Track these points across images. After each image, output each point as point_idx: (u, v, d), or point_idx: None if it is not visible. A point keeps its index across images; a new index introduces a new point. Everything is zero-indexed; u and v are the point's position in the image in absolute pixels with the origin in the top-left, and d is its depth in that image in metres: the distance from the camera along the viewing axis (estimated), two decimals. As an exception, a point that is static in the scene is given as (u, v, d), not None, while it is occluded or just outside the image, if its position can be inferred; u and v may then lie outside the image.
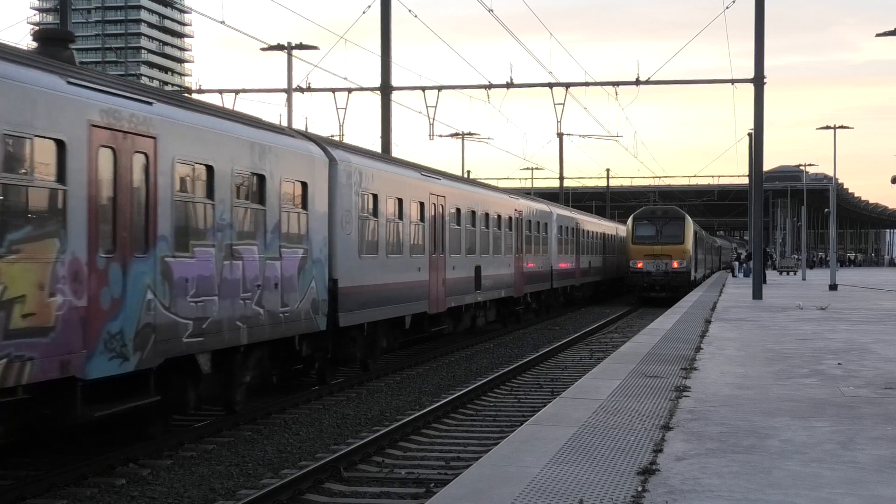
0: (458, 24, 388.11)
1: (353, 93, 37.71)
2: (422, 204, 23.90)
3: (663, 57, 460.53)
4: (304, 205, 17.39)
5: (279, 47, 35.45)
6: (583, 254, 48.20)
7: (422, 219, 23.86)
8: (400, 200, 22.37)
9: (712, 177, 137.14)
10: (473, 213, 28.44)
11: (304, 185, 17.39)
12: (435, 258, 24.64)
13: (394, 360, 23.86)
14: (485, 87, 38.07)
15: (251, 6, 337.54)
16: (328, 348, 18.84)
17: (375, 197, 20.91)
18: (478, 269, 28.52)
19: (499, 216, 31.51)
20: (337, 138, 30.70)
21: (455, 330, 27.90)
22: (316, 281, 17.62)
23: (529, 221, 36.11)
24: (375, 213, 20.87)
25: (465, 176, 59.31)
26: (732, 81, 37.89)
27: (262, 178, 15.93)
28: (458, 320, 27.98)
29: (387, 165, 22.42)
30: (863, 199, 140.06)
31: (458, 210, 27.10)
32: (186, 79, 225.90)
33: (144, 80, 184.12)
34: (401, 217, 22.41)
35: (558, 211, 43.45)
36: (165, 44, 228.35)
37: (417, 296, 23.27)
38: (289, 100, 35.71)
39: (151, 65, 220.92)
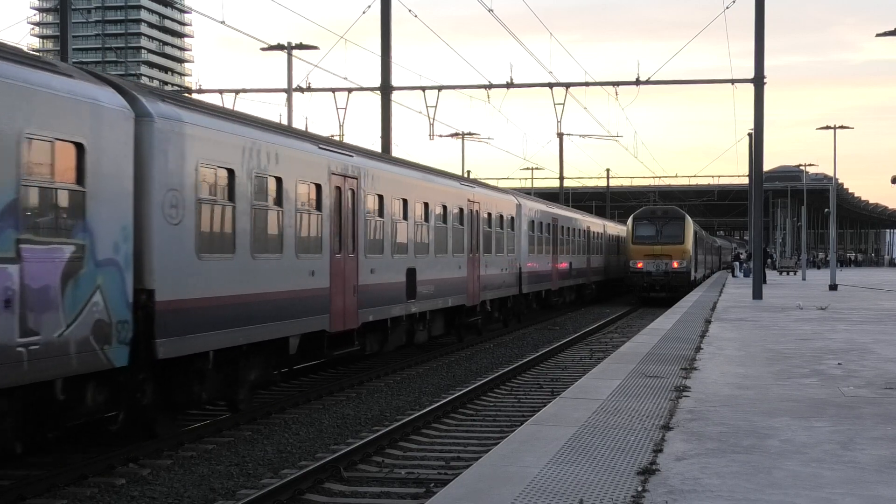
0: (458, 24, 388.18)
1: (353, 93, 37.74)
2: (318, 187, 18.25)
3: (663, 57, 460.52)
4: (80, 177, 11.82)
5: (279, 47, 35.47)
6: (562, 253, 42.82)
7: (319, 207, 18.20)
8: (279, 180, 16.67)
9: (712, 177, 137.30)
10: (405, 202, 22.76)
11: (80, 147, 11.81)
12: (341, 259, 19.01)
13: (394, 360, 23.84)
14: (485, 87, 38.08)
15: (251, 6, 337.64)
16: (144, 390, 13.22)
17: (231, 173, 15.12)
18: (411, 273, 22.94)
19: (444, 208, 25.67)
20: (337, 138, 30.62)
21: (381, 350, 22.17)
22: (104, 293, 12.07)
23: (490, 215, 30.46)
24: (231, 195, 15.13)
25: (466, 175, 58.99)
26: (732, 81, 37.90)
27: None
28: (384, 337, 21.99)
29: (252, 130, 16.05)
30: (863, 199, 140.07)
31: (381, 198, 21.35)
32: (186, 79, 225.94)
33: (144, 80, 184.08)
34: (280, 203, 16.66)
35: (529, 204, 37.59)
36: (165, 44, 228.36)
37: (310, 310, 17.50)
38: (289, 100, 35.73)
39: (151, 65, 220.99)
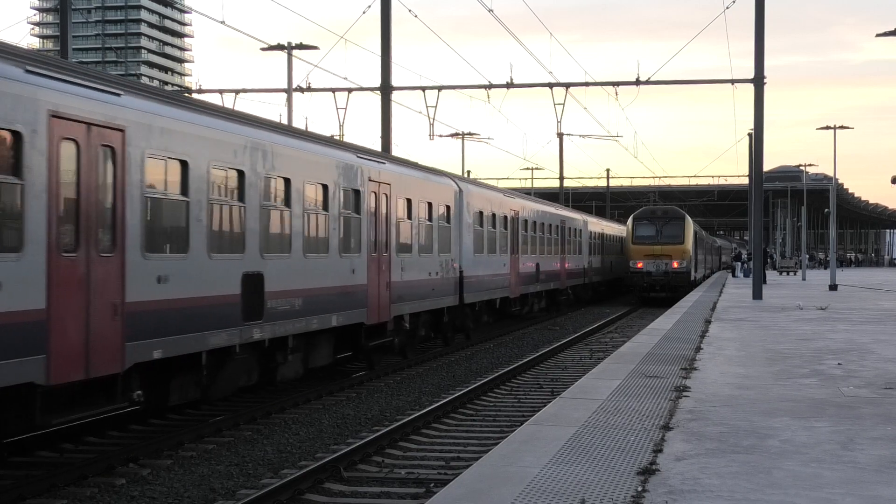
0: (458, 24, 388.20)
1: (353, 93, 37.74)
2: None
3: (663, 57, 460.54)
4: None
5: (279, 47, 35.47)
6: (526, 253, 35.38)
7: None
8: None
9: (712, 177, 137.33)
10: (240, 174, 15.25)
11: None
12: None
13: (393, 360, 23.84)
14: (485, 87, 38.08)
15: (251, 6, 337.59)
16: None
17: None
18: (252, 283, 15.43)
19: (324, 188, 18.19)
20: (337, 138, 30.56)
21: (209, 395, 15.43)
22: None
23: (409, 202, 22.80)
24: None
25: (465, 175, 58.72)
26: (732, 81, 37.90)
27: None
28: (211, 378, 15.04)
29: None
30: (863, 199, 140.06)
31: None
32: (186, 79, 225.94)
33: (144, 80, 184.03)
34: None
35: (475, 189, 29.55)
36: (165, 44, 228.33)
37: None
38: (289, 100, 35.73)
39: (151, 65, 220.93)
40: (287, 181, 16.75)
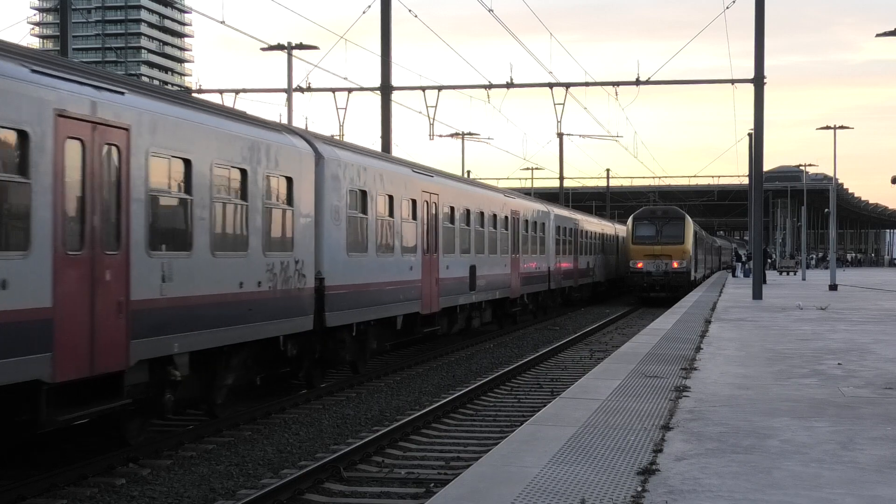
0: (458, 24, 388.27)
1: (353, 93, 37.78)
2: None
3: (663, 57, 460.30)
4: None
5: (279, 47, 35.47)
6: (451, 253, 26.14)
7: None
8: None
9: (712, 177, 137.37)
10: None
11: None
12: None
13: (393, 360, 23.84)
14: (485, 87, 38.10)
15: (251, 6, 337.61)
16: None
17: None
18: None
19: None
20: (337, 138, 30.53)
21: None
22: None
23: (288, 182, 16.89)
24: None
25: (465, 175, 58.47)
26: (732, 81, 37.92)
27: None
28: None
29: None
30: (863, 199, 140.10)
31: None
32: (186, 79, 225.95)
33: (144, 80, 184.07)
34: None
35: (348, 157, 19.75)
36: (165, 44, 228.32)
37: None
38: (289, 100, 35.73)
39: (151, 65, 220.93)
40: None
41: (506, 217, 32.62)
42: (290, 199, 16.89)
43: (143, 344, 12.56)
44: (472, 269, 27.96)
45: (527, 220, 35.82)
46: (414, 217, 23.10)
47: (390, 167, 22.22)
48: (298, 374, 18.35)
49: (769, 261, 79.90)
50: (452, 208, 26.41)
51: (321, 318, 18.01)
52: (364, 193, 20.14)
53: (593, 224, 53.08)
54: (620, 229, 61.54)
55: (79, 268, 11.53)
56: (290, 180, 16.88)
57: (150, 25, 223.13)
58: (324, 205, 18.26)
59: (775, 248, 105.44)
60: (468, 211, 27.87)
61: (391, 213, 21.59)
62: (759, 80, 35.68)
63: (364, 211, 20.16)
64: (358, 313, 19.71)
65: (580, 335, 31.47)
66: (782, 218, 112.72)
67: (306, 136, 18.55)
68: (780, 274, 78.05)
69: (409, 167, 23.93)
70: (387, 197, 21.34)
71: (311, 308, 17.63)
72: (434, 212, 24.72)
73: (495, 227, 31.08)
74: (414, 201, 23.09)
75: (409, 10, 33.08)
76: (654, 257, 50.95)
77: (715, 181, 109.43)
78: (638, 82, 37.35)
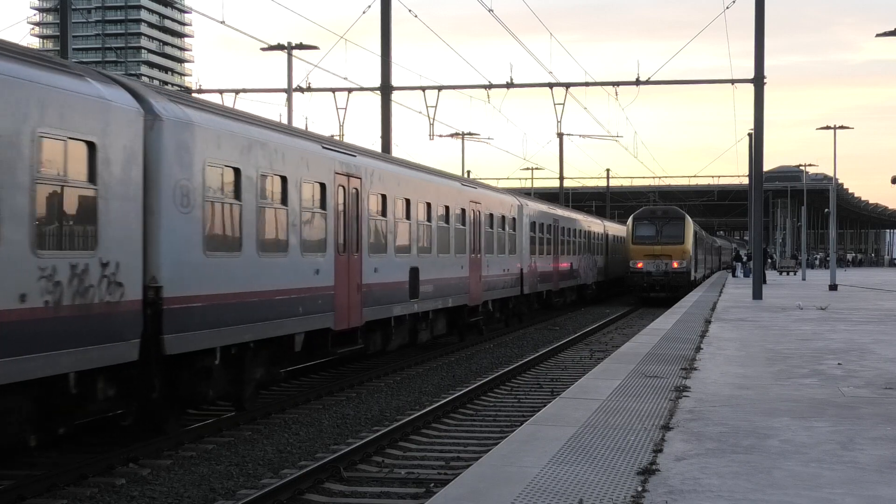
0: (458, 24, 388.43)
1: (353, 93, 37.78)
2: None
3: (663, 57, 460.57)
4: None
5: (279, 47, 35.48)
6: (380, 252, 21.39)
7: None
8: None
9: (712, 177, 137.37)
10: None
11: None
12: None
13: (393, 360, 23.84)
14: (485, 87, 38.10)
15: (251, 6, 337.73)
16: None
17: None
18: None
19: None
20: (337, 138, 30.51)
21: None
22: None
23: (90, 150, 12.31)
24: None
25: (465, 175, 58.26)
26: (732, 81, 37.92)
27: None
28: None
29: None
30: (863, 199, 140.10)
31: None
32: (186, 79, 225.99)
33: (144, 80, 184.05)
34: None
35: (279, 139, 16.84)
36: (165, 44, 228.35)
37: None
38: (289, 100, 35.74)
39: (151, 65, 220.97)
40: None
41: (463, 210, 27.21)
42: (91, 175, 12.06)
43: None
44: (414, 271, 23.19)
45: (492, 215, 30.52)
46: (323, 207, 18.29)
47: (282, 139, 16.92)
48: (126, 417, 13.40)
49: (769, 261, 79.85)
50: (384, 196, 21.50)
51: (158, 343, 13.21)
52: (237, 172, 15.21)
53: (577, 220, 47.67)
54: (611, 226, 60.07)
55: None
56: (91, 146, 12.06)
57: (150, 25, 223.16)
58: (160, 185, 13.35)
59: (775, 248, 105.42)
60: (408, 201, 23.00)
61: (284, 201, 16.74)
62: (759, 80, 35.68)
63: (237, 196, 15.21)
64: (225, 334, 14.65)
65: (580, 335, 31.47)
66: (782, 218, 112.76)
67: (131, 87, 13.41)
68: (780, 274, 78.06)
69: (318, 141, 18.78)
70: (278, 178, 16.54)
71: (138, 330, 12.86)
72: (356, 201, 19.96)
73: (448, 222, 25.98)
74: (323, 186, 18.30)
75: (409, 10, 33.11)
76: (654, 257, 50.96)
77: (715, 181, 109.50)
78: (638, 82, 37.36)
